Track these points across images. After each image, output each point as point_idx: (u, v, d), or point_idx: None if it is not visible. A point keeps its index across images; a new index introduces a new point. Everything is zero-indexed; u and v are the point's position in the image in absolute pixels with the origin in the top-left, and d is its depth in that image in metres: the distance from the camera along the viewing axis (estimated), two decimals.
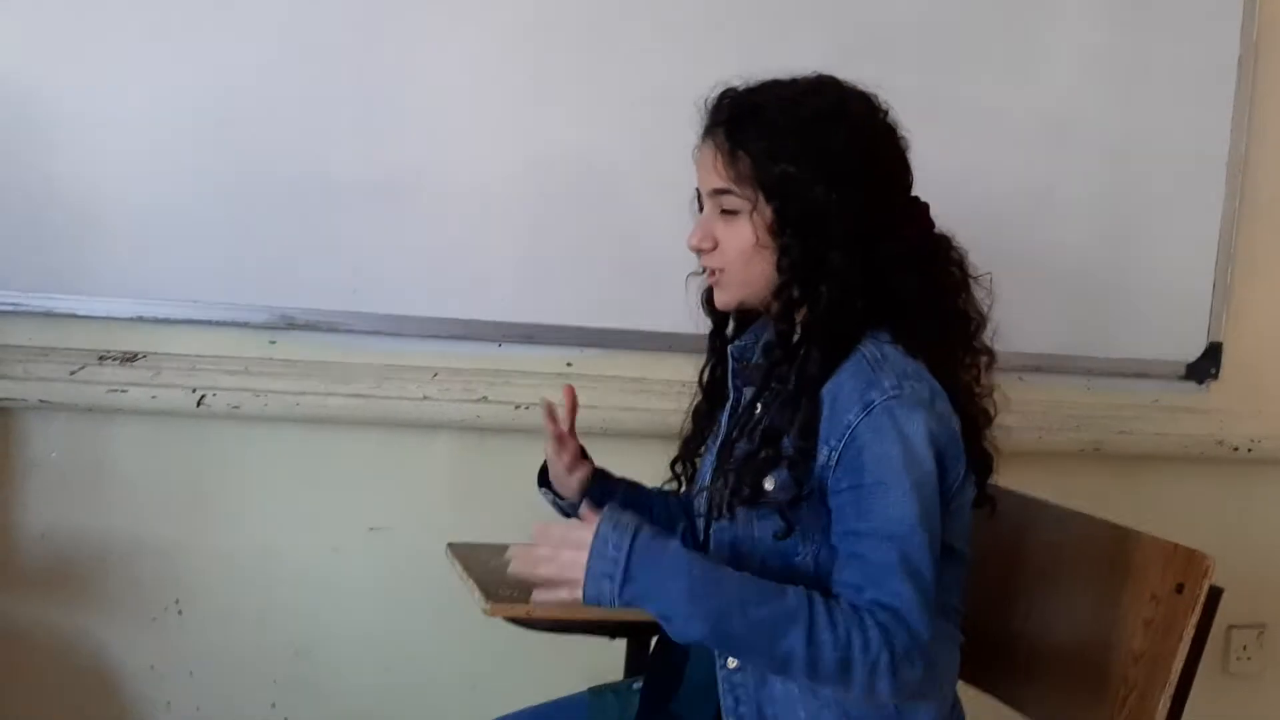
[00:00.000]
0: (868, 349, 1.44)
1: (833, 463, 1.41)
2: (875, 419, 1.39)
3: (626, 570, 1.34)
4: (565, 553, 1.36)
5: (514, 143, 2.23)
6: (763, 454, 1.45)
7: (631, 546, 1.34)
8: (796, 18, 2.30)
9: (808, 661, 1.32)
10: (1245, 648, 2.72)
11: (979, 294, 1.55)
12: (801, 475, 1.43)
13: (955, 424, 1.45)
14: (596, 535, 1.35)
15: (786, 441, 1.44)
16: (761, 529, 1.47)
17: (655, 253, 2.17)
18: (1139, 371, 2.55)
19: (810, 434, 1.42)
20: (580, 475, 1.73)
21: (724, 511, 1.49)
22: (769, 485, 1.45)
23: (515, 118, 2.23)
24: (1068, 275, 2.49)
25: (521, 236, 2.25)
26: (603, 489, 1.74)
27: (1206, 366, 2.58)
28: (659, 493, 1.77)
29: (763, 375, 1.51)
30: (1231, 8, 2.51)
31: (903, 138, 1.52)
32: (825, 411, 1.42)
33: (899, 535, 1.37)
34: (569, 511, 1.73)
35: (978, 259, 1.57)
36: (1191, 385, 2.59)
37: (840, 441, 1.41)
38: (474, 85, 2.22)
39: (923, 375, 1.44)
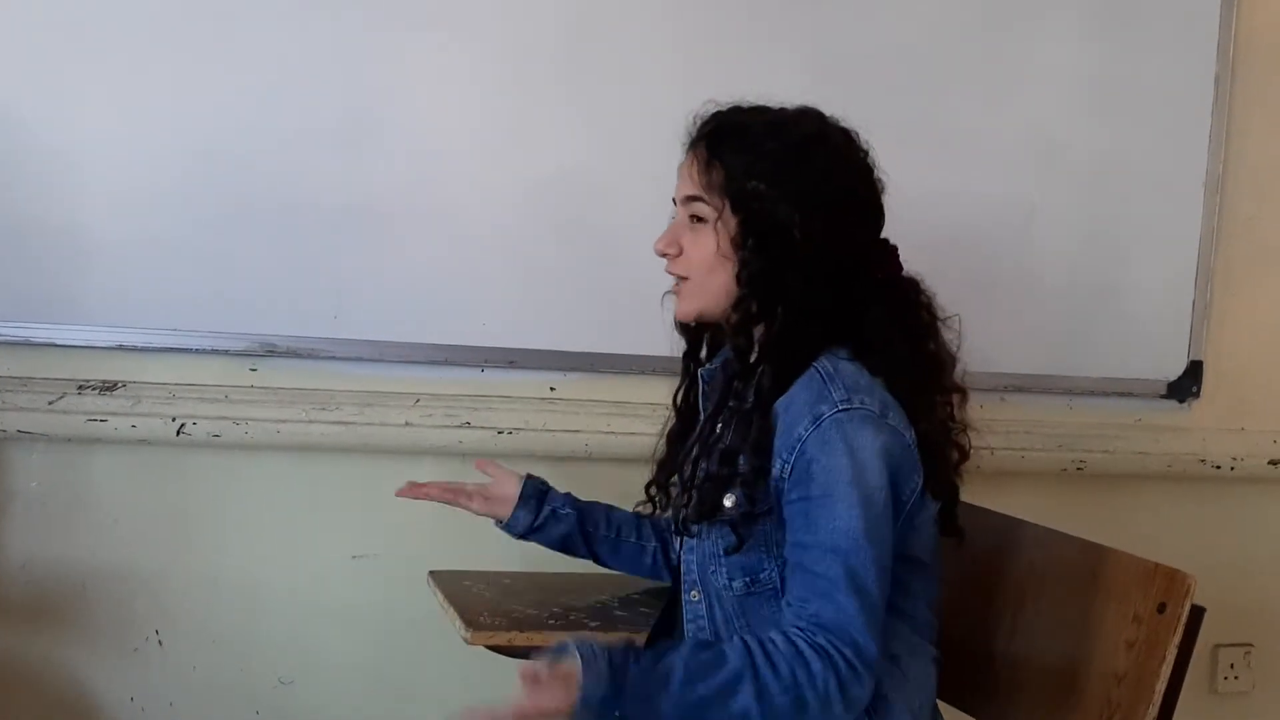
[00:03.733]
0: (822, 363, 1.47)
1: (785, 475, 1.44)
2: (824, 432, 1.41)
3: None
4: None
5: (495, 168, 2.23)
6: (721, 473, 1.48)
7: (620, 683, 1.32)
8: (780, 40, 2.31)
9: (763, 713, 1.35)
10: (1232, 666, 2.72)
11: (948, 335, 1.57)
12: (756, 491, 1.45)
13: (910, 437, 1.47)
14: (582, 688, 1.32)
15: (742, 460, 1.46)
16: (725, 546, 1.49)
17: (638, 276, 2.15)
18: (1121, 390, 2.56)
19: (764, 450, 1.45)
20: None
21: (689, 529, 1.52)
22: (728, 503, 1.48)
23: (497, 144, 2.23)
24: (1049, 295, 2.50)
25: (503, 261, 2.25)
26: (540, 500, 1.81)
27: (1188, 385, 2.58)
28: (607, 507, 1.83)
29: (719, 391, 1.54)
30: (1208, 27, 2.52)
31: (879, 180, 1.54)
32: (778, 426, 1.45)
33: (844, 549, 1.38)
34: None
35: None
36: (1173, 404, 2.59)
37: (791, 454, 1.43)
38: (455, 111, 2.22)
39: (875, 389, 1.46)
